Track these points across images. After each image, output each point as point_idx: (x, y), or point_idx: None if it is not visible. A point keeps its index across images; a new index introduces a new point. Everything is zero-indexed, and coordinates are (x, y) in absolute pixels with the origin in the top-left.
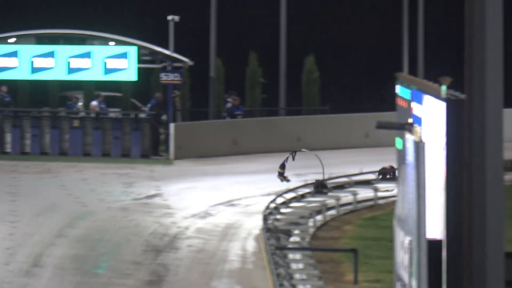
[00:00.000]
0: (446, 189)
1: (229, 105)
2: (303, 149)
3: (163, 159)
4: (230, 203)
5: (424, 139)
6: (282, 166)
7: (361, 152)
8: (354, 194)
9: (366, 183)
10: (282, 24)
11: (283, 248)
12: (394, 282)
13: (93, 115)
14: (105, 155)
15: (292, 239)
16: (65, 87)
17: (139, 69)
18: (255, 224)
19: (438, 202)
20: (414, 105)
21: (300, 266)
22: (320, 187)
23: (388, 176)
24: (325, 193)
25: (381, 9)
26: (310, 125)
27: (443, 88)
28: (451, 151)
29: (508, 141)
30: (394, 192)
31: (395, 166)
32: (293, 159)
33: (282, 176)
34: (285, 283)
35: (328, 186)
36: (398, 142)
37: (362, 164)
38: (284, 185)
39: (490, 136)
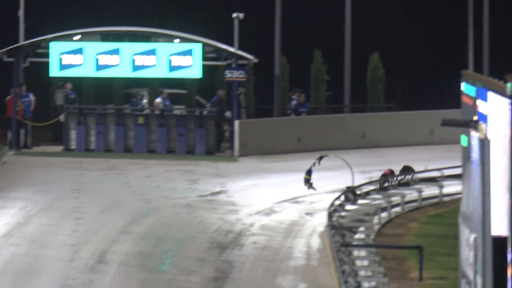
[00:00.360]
0: (511, 186)
1: (294, 102)
2: (329, 154)
3: (227, 156)
4: (294, 200)
5: (489, 136)
6: (309, 173)
7: (426, 150)
8: (419, 191)
9: (431, 180)
10: (347, 21)
11: (348, 245)
12: (459, 280)
13: (157, 112)
14: (170, 152)
15: (357, 236)
16: (129, 84)
17: (204, 66)
18: (320, 221)
19: (503, 199)
20: (479, 102)
21: (365, 263)
22: (350, 194)
23: (389, 180)
24: (354, 201)
25: (447, 6)
26: (375, 122)
27: (509, 85)
28: None
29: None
30: (459, 189)
31: (394, 170)
32: (319, 164)
33: (308, 183)
34: (350, 280)
35: (358, 192)
36: (463, 140)
37: (427, 161)
38: (348, 182)
39: None
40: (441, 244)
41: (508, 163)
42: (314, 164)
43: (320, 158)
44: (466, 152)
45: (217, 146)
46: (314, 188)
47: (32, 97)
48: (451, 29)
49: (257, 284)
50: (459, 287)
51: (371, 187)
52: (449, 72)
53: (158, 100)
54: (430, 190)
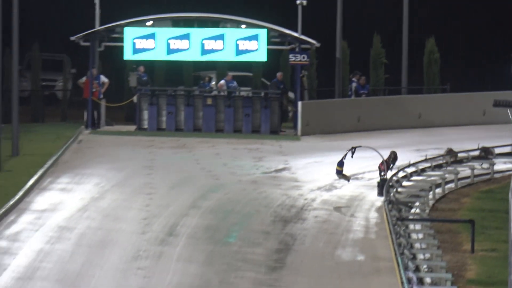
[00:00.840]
0: None
1: (354, 84)
2: (361, 145)
3: (291, 135)
4: (354, 177)
5: None
6: (340, 164)
7: (478, 129)
8: (472, 168)
9: (483, 158)
10: (405, 7)
11: (404, 219)
12: (509, 252)
13: (223, 93)
14: (236, 131)
15: (412, 210)
16: (199, 67)
17: (269, 50)
18: (378, 196)
19: None
20: None
21: (420, 236)
22: (382, 185)
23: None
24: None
25: None
26: (431, 103)
27: None
28: None
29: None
30: (510, 166)
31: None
32: (352, 156)
33: (341, 174)
34: (406, 252)
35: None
36: None
37: (479, 140)
38: (405, 160)
39: None
40: (492, 218)
41: None
42: (345, 155)
43: (353, 149)
44: None
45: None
46: (347, 179)
47: (103, 79)
48: (505, 14)
49: (318, 256)
50: (509, 259)
51: (427, 164)
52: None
53: (222, 82)
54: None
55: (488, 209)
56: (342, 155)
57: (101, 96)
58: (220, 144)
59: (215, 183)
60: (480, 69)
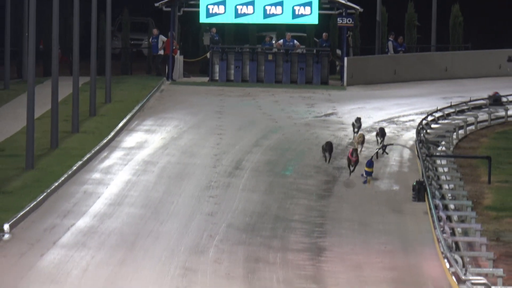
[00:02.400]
0: None
1: (390, 43)
2: (394, 144)
3: (338, 85)
4: (391, 120)
5: None
6: (370, 164)
7: (495, 80)
8: (489, 113)
9: (499, 104)
10: None
11: (432, 155)
12: None
13: (282, 51)
14: (293, 82)
15: (439, 148)
16: (261, 28)
17: (320, 15)
18: (410, 136)
19: None
20: None
21: (446, 169)
22: (420, 190)
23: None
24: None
25: None
26: (455, 58)
27: None
28: None
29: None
30: None
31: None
32: (383, 154)
33: (370, 176)
34: (434, 183)
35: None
36: None
37: (495, 89)
38: (433, 106)
39: None
40: (506, 155)
41: None
42: (376, 154)
43: (384, 147)
44: None
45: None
46: (368, 181)
47: (163, 38)
48: None
49: (360, 186)
50: None
51: (451, 110)
52: None
53: (280, 41)
54: (497, 112)
55: (503, 147)
56: (380, 102)
57: (157, 52)
58: (278, 93)
59: (274, 125)
60: (497, 30)
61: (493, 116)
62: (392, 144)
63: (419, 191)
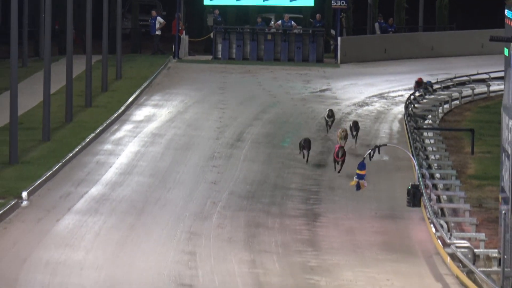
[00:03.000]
0: None
1: (377, 24)
2: (388, 144)
3: (332, 63)
4: (381, 96)
5: None
6: (362, 167)
7: (478, 59)
8: (472, 89)
9: (482, 81)
10: None
11: (419, 128)
12: (501, 153)
13: (280, 31)
14: (290, 60)
15: (426, 121)
16: (261, 10)
17: None
18: (399, 110)
19: None
20: None
21: (432, 141)
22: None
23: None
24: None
25: None
26: (441, 38)
27: None
28: None
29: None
30: (502, 87)
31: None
32: (373, 155)
33: (362, 180)
34: (421, 153)
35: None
36: (506, 51)
37: (478, 67)
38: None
39: None
40: (488, 128)
41: None
42: (369, 155)
43: (378, 147)
44: (507, 61)
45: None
46: (361, 186)
47: (160, 20)
48: None
49: (351, 154)
50: (501, 159)
51: (438, 86)
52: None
53: (279, 22)
54: (479, 88)
55: (485, 121)
56: (372, 79)
57: (155, 32)
58: (277, 70)
59: (273, 100)
60: (480, 11)
61: (476, 92)
62: (385, 145)
63: (414, 196)
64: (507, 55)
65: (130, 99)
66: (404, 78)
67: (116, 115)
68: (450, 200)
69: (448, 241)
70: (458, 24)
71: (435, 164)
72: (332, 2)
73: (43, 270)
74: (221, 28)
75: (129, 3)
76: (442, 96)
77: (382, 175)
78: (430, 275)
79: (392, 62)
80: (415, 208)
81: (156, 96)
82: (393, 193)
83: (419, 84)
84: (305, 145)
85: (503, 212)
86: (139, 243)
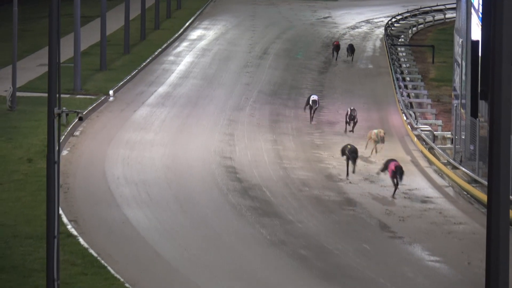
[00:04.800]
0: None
1: None
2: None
3: None
4: (368, 21)
5: None
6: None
7: None
8: (433, 16)
9: (440, 11)
10: None
11: (395, 44)
12: (453, 63)
13: None
14: None
15: (400, 40)
16: None
17: None
18: (381, 32)
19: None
20: None
21: (404, 54)
22: None
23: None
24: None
25: None
26: None
27: None
28: None
29: None
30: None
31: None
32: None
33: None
34: (396, 63)
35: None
36: None
37: (438, 1)
38: (395, 12)
39: None
40: (445, 44)
41: None
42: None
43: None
44: None
45: None
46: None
47: None
48: None
49: (346, 65)
50: (453, 67)
51: (408, 14)
52: None
53: None
54: (438, 16)
55: (442, 39)
56: (361, 9)
57: None
58: (293, 3)
59: (289, 25)
60: None
61: (436, 18)
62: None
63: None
64: None
65: (187, 24)
66: (383, 8)
67: (176, 35)
68: (416, 96)
69: (415, 126)
70: None
71: (406, 71)
72: None
73: (124, 146)
74: None
75: None
76: (411, 22)
77: (368, 78)
78: (402, 150)
79: None
80: (392, 102)
81: (206, 22)
82: (376, 91)
83: (337, 47)
84: (350, 155)
85: (455, 105)
86: (193, 127)
